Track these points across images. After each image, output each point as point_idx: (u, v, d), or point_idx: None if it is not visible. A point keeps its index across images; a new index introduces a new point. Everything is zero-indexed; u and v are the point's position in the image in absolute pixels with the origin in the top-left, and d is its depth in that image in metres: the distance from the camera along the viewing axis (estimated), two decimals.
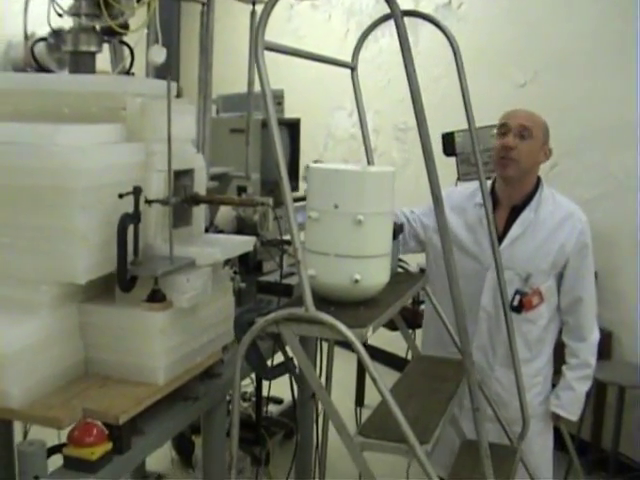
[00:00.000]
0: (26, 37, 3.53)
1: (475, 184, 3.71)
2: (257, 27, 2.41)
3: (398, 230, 3.26)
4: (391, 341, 4.87)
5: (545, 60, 6.03)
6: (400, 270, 3.50)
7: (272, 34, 7.60)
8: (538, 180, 3.79)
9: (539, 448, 3.86)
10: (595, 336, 3.82)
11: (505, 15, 6.36)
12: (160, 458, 5.37)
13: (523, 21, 6.20)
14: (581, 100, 5.74)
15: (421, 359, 3.54)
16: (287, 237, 2.93)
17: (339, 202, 2.68)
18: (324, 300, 2.76)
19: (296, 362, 2.75)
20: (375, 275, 2.79)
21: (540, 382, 3.83)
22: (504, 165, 3.66)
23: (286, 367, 2.78)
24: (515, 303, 3.62)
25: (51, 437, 2.60)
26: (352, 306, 2.76)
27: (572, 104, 5.79)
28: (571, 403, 3.81)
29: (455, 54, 3.40)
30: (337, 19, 7.75)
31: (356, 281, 2.70)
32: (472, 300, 3.63)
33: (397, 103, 7.04)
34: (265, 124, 4.93)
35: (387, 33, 7.19)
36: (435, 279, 3.70)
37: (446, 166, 4.84)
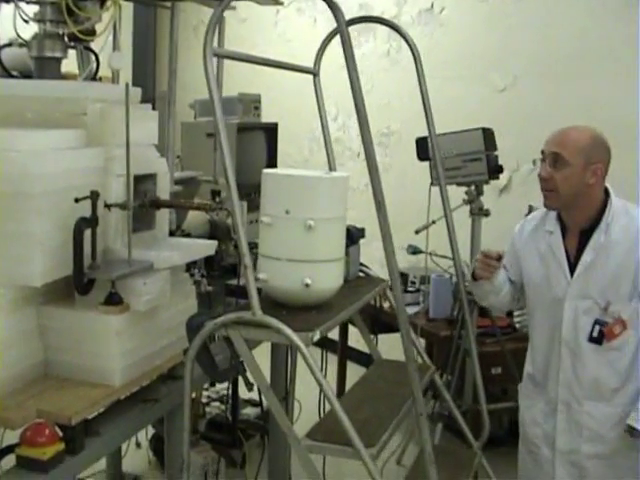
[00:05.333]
0: None
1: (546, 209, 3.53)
2: (205, 34, 2.45)
3: (358, 235, 3.29)
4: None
5: (524, 65, 6.06)
6: (361, 275, 3.53)
7: (259, 38, 7.68)
8: (607, 196, 3.40)
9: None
10: None
11: (486, 20, 6.39)
12: (137, 459, 5.40)
13: (503, 26, 6.23)
14: (560, 104, 5.75)
15: (381, 363, 3.58)
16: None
17: (290, 207, 2.73)
18: (277, 304, 2.81)
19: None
20: (326, 279, 2.83)
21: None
22: (545, 197, 3.39)
23: (236, 369, 2.81)
24: (595, 334, 3.34)
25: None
26: (304, 310, 2.80)
27: (551, 108, 5.81)
28: None
29: (415, 60, 3.40)
30: (322, 24, 7.76)
31: (307, 285, 2.74)
32: (553, 333, 3.44)
33: (381, 108, 7.08)
34: (240, 128, 4.98)
35: (370, 38, 7.25)
36: (529, 310, 3.65)
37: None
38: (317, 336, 2.59)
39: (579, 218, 3.39)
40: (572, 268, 3.39)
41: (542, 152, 3.37)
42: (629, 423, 3.33)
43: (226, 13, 3.99)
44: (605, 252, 3.32)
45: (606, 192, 3.39)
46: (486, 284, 3.56)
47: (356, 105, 2.56)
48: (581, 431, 3.40)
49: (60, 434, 2.62)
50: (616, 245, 3.31)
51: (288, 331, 2.51)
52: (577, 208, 3.36)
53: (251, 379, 2.84)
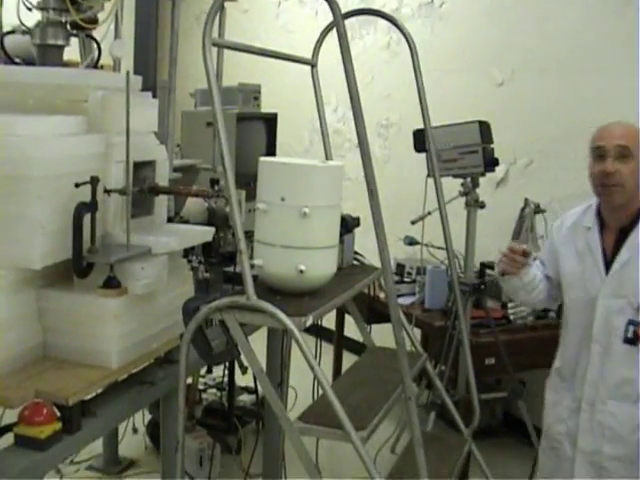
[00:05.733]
0: (1, 30, 3.63)
1: (587, 204, 3.53)
2: (205, 24, 2.51)
3: (352, 224, 3.35)
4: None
5: (523, 60, 6.08)
6: (356, 263, 3.59)
7: (261, 30, 7.71)
8: None
9: None
10: None
11: (485, 14, 6.42)
12: (134, 444, 5.47)
13: (503, 20, 6.25)
14: (557, 99, 5.79)
15: (374, 350, 3.64)
16: None
17: (286, 195, 2.79)
18: (272, 290, 2.88)
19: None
20: (320, 266, 2.90)
21: None
22: (608, 193, 3.31)
23: (231, 353, 2.88)
24: (629, 335, 3.28)
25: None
26: (297, 296, 2.87)
27: (549, 103, 5.85)
28: None
29: (412, 52, 3.45)
30: (323, 15, 7.81)
31: (301, 271, 2.81)
32: (585, 331, 3.41)
33: (381, 99, 7.14)
34: (240, 118, 5.04)
35: (371, 31, 7.30)
36: (569, 307, 3.57)
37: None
38: (310, 321, 2.65)
39: (623, 215, 3.36)
40: (608, 266, 3.35)
41: (598, 148, 3.30)
42: None
43: (227, 4, 4.05)
44: None
45: None
46: (514, 280, 3.56)
47: (351, 96, 2.61)
48: (603, 431, 3.38)
49: (57, 414, 2.68)
50: None
51: (281, 315, 2.58)
52: (627, 205, 3.32)
53: (245, 363, 2.90)
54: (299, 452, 2.71)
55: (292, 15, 8.30)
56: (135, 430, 5.57)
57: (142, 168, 3.19)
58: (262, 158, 2.96)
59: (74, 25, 3.35)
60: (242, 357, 2.88)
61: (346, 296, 3.09)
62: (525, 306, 5.00)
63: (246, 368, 2.88)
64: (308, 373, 2.68)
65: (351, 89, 2.59)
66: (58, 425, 2.65)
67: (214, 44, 2.57)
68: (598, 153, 3.29)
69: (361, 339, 3.80)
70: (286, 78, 7.36)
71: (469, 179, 4.77)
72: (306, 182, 2.83)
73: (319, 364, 3.91)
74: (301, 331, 2.59)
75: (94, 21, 3.39)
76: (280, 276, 2.87)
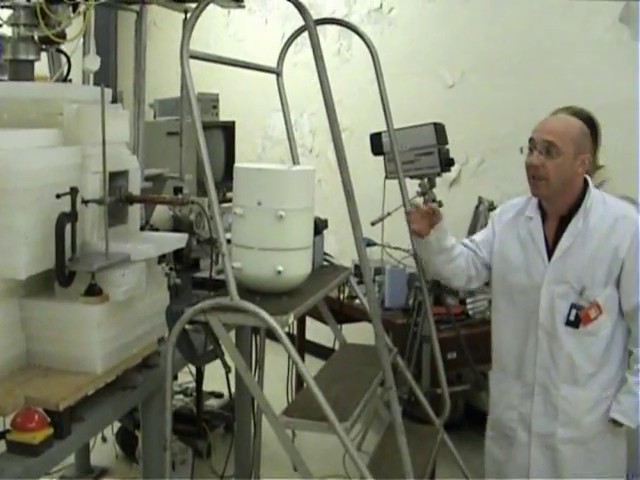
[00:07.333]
0: None
1: (527, 196, 3.61)
2: (182, 37, 2.60)
3: (322, 226, 3.46)
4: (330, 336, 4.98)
5: (472, 62, 6.24)
6: (325, 263, 3.70)
7: (211, 39, 7.74)
8: (586, 185, 3.48)
9: (608, 466, 3.54)
10: None
11: (434, 18, 6.57)
12: (105, 453, 5.52)
13: (451, 24, 6.41)
14: (507, 99, 5.94)
15: (346, 347, 3.74)
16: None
17: (262, 199, 2.90)
18: (251, 291, 2.98)
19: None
20: (297, 267, 3.01)
21: (610, 396, 3.47)
22: (534, 185, 3.43)
23: (215, 353, 2.97)
24: (572, 318, 3.41)
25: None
26: (276, 296, 2.98)
27: (498, 103, 6.00)
28: (632, 409, 3.42)
29: (373, 59, 3.56)
30: (273, 23, 7.94)
31: (279, 272, 2.92)
32: (530, 317, 3.51)
33: None
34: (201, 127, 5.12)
35: (321, 37, 7.38)
36: (499, 295, 3.69)
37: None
38: (291, 319, 2.77)
39: (560, 205, 3.46)
40: (550, 254, 3.47)
41: (530, 140, 3.40)
42: (611, 415, 3.42)
43: (178, 15, 4.15)
44: (582, 238, 3.40)
45: (585, 181, 3.46)
46: (433, 241, 3.64)
47: (326, 103, 2.72)
48: (557, 415, 3.47)
49: (48, 420, 2.75)
50: (593, 232, 3.38)
51: (264, 314, 2.68)
52: (560, 195, 3.42)
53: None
54: (285, 445, 2.81)
55: (242, 24, 8.40)
56: (104, 439, 5.60)
57: (116, 178, 3.25)
58: (237, 164, 3.07)
59: (43, 40, 3.42)
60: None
61: (321, 294, 3.20)
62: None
63: (229, 367, 2.98)
64: (275, 379, 2.76)
65: (325, 95, 2.70)
66: (50, 430, 2.71)
67: (191, 56, 2.66)
68: (530, 145, 3.40)
69: (321, 341, 3.89)
70: (239, 86, 7.44)
71: (426, 180, 4.90)
72: (281, 186, 2.94)
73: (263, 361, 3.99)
74: (284, 329, 2.69)
75: (62, 36, 3.47)
76: (259, 277, 2.97)
